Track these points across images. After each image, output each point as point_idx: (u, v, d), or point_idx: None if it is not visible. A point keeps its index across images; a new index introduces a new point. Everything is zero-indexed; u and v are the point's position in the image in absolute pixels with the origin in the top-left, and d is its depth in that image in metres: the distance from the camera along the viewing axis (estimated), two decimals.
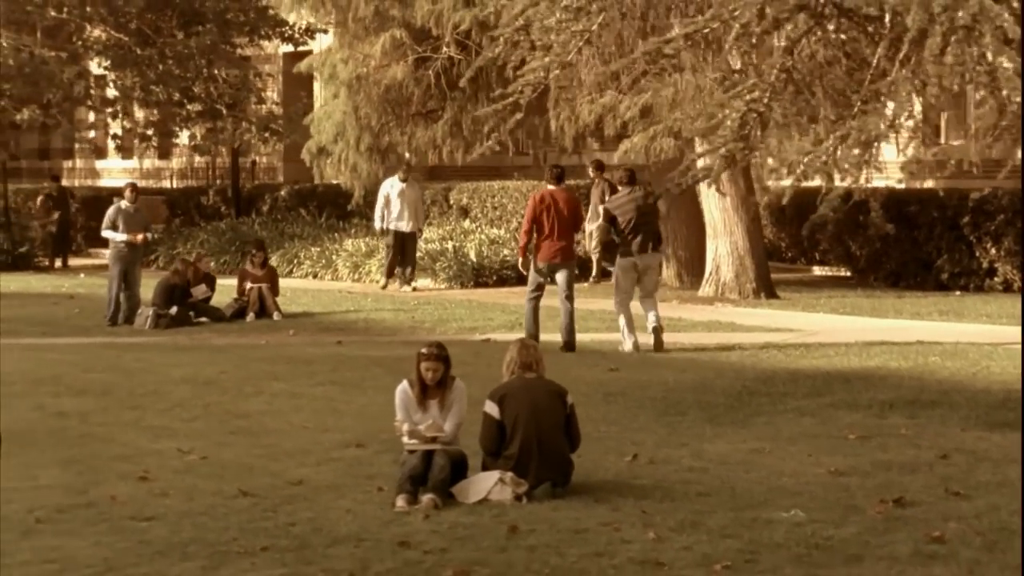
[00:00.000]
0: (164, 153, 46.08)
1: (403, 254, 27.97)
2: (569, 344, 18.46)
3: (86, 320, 23.49)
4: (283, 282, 25.67)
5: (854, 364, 16.87)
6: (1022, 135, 12.79)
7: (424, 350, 10.96)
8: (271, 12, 35.84)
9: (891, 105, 11.06)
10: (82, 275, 33.30)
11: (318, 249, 32.12)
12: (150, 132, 38.10)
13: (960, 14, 10.28)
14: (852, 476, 11.17)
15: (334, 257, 31.43)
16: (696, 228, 27.29)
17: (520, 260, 19.95)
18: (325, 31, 36.64)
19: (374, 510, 10.39)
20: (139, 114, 38.49)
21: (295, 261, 32.03)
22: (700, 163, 12.41)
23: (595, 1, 14.02)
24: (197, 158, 46.53)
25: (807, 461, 11.75)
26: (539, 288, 18.77)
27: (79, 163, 55.96)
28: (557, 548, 9.33)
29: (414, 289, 27.42)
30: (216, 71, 35.24)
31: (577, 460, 11.01)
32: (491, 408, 10.77)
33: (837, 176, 11.48)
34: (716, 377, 15.73)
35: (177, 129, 38.22)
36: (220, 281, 24.86)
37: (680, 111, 21.91)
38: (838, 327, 20.65)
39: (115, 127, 40.16)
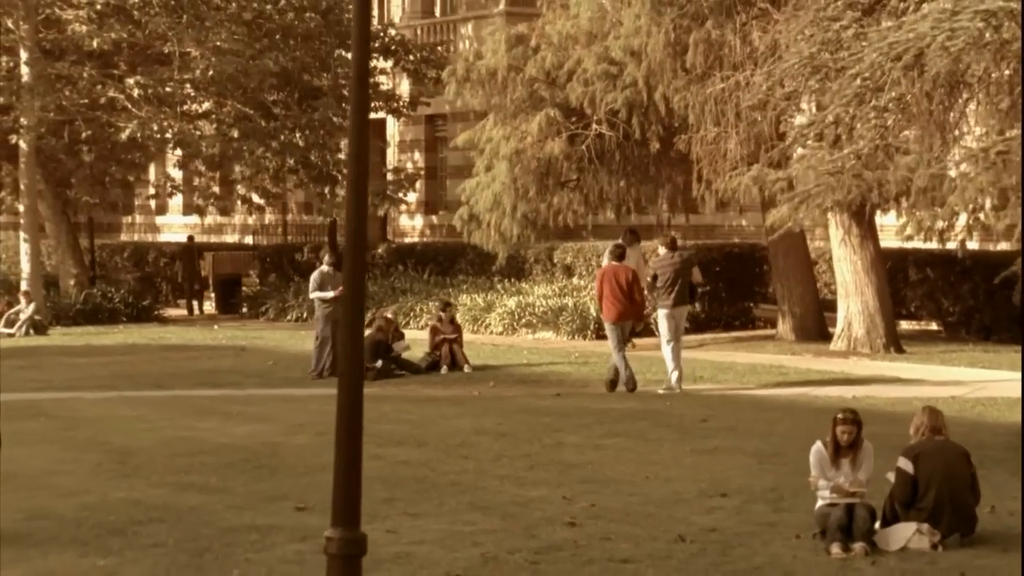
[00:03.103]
0: (225, 210, 46.54)
1: None
2: (614, 383, 20.77)
3: (287, 372, 23.89)
4: (413, 333, 26.98)
5: None
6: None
7: (840, 415, 11.52)
8: (382, 87, 36.59)
9: None
10: (216, 327, 33.64)
11: (435, 303, 32.50)
12: (250, 194, 38.78)
13: None
14: None
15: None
16: (809, 288, 28.04)
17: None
18: (428, 104, 37.40)
19: (812, 556, 10.95)
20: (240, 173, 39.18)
21: (411, 314, 32.39)
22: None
23: (894, 101, 14.82)
24: (268, 216, 47.22)
25: None
26: (623, 342, 21.06)
27: (139, 218, 56.26)
28: None
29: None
30: (333, 141, 35.80)
31: None
32: (906, 465, 11.34)
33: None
34: (969, 431, 16.21)
35: (280, 191, 38.84)
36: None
37: (823, 183, 22.56)
38: (997, 380, 21.20)
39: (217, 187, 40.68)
